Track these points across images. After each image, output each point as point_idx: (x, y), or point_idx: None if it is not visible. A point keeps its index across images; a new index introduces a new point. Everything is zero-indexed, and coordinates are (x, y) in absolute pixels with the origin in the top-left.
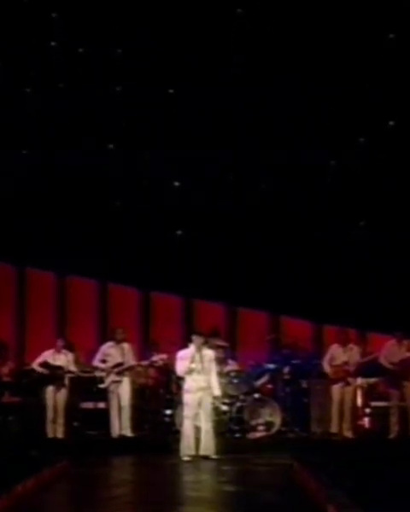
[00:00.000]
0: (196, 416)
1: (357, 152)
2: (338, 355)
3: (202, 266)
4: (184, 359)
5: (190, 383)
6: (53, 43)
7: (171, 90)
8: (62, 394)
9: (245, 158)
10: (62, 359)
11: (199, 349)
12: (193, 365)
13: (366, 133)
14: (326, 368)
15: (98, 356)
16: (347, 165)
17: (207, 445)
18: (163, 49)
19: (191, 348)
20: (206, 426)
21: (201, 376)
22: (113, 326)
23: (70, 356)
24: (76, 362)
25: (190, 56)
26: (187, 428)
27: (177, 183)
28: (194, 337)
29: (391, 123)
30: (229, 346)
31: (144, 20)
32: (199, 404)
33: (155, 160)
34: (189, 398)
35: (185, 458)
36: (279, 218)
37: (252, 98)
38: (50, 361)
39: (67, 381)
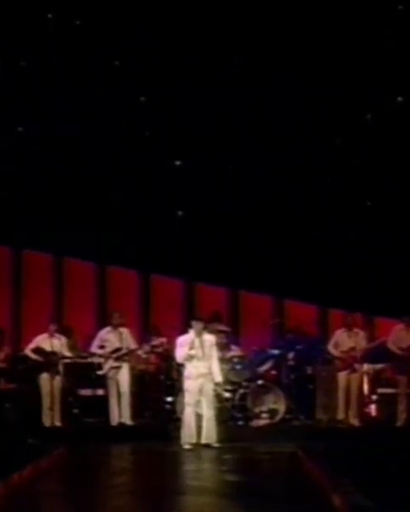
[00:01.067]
0: (197, 403)
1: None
2: (344, 340)
3: (203, 248)
4: (184, 346)
5: (190, 370)
6: (49, 16)
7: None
8: (58, 381)
9: (250, 133)
10: (56, 344)
11: (199, 334)
12: (192, 352)
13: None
14: (333, 352)
15: (96, 341)
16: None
17: (209, 433)
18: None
19: (191, 334)
20: (207, 413)
21: (201, 362)
22: (111, 310)
23: (63, 340)
24: (72, 347)
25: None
26: (188, 416)
27: (178, 162)
28: (193, 322)
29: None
30: (231, 331)
31: None
32: (200, 391)
33: (155, 137)
34: (190, 384)
35: (186, 447)
36: (285, 200)
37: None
38: (44, 346)
39: (61, 368)
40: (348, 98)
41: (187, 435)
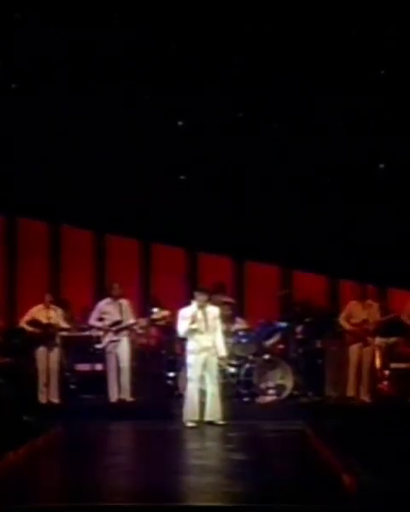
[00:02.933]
0: (200, 378)
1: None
2: (357, 312)
3: (207, 215)
4: (186, 318)
5: (193, 344)
6: None
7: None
8: (55, 355)
9: (258, 92)
10: (53, 315)
11: (202, 307)
12: (194, 325)
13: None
14: (344, 325)
15: (94, 314)
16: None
17: (213, 410)
18: None
19: (194, 306)
20: (211, 389)
21: (204, 336)
22: (110, 281)
23: (60, 311)
24: (69, 319)
25: None
26: (191, 392)
27: (180, 123)
28: (196, 294)
29: None
30: (236, 303)
31: None
32: (204, 366)
33: (156, 95)
34: (192, 359)
35: (189, 424)
36: (292, 162)
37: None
38: (39, 318)
39: (58, 340)
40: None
41: (190, 412)
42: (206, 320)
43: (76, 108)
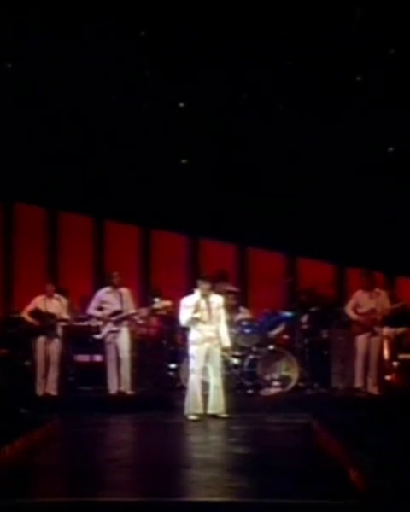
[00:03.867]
0: (203, 370)
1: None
2: (365, 301)
3: (209, 201)
4: (189, 307)
5: (195, 334)
6: None
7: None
8: (55, 346)
9: (263, 72)
10: (55, 305)
11: (205, 296)
12: (197, 314)
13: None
14: (351, 315)
15: (93, 303)
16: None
17: (216, 403)
18: None
19: (196, 295)
20: (215, 381)
21: (208, 326)
22: (110, 269)
23: (64, 301)
24: (71, 309)
25: None
26: (194, 384)
27: (182, 104)
28: (199, 282)
29: None
30: (240, 292)
31: None
32: (207, 357)
33: (156, 75)
34: (195, 350)
35: (191, 417)
36: (298, 145)
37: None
38: (41, 308)
39: (60, 331)
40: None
41: (192, 405)
42: (209, 309)
43: (74, 90)
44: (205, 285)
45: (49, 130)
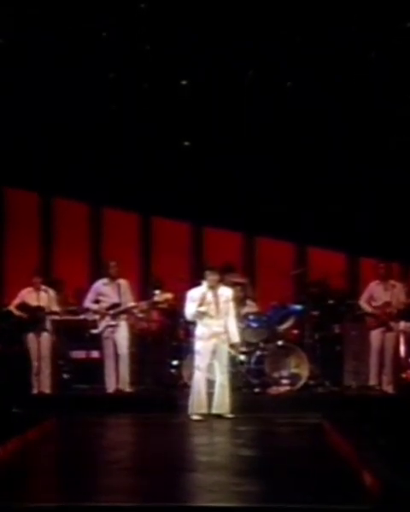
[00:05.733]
0: (208, 367)
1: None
2: (379, 293)
3: (214, 186)
4: (195, 300)
5: (201, 329)
6: None
7: None
8: (46, 340)
9: (270, 46)
10: (43, 298)
11: (213, 288)
12: (203, 308)
13: None
14: (365, 308)
15: (90, 295)
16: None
17: (221, 402)
18: None
19: (203, 287)
20: (221, 379)
21: (215, 320)
22: (107, 259)
23: (52, 293)
24: (63, 302)
25: None
26: (198, 382)
27: (184, 82)
28: (207, 273)
29: None
30: (249, 283)
31: None
32: (213, 354)
33: (157, 51)
34: (201, 346)
35: (195, 417)
36: (310, 126)
37: None
38: (29, 301)
39: (49, 325)
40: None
41: (196, 404)
42: (217, 303)
43: (70, 67)
44: (213, 276)
45: (42, 110)
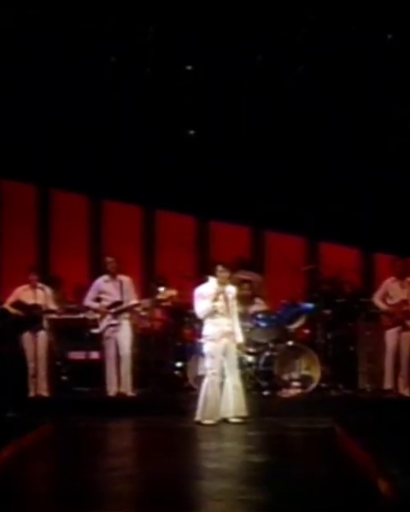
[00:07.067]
0: (222, 369)
1: None
2: (395, 291)
3: (220, 178)
4: (206, 297)
5: (211, 328)
6: None
7: None
8: (43, 340)
9: (279, 30)
10: (40, 296)
11: (223, 285)
12: (219, 302)
13: None
14: (380, 306)
15: (90, 293)
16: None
17: (239, 405)
18: None
19: (213, 283)
20: (233, 380)
21: (225, 319)
22: (108, 255)
23: (48, 291)
24: (61, 300)
25: None
26: (213, 387)
27: (189, 67)
28: (219, 269)
29: None
30: (258, 281)
31: None
32: (224, 355)
33: (160, 34)
34: (212, 347)
35: (207, 421)
36: (322, 115)
37: None
38: (24, 299)
39: (46, 324)
40: None
41: (209, 411)
42: (227, 300)
43: (69, 54)
44: (225, 273)
45: (39, 97)
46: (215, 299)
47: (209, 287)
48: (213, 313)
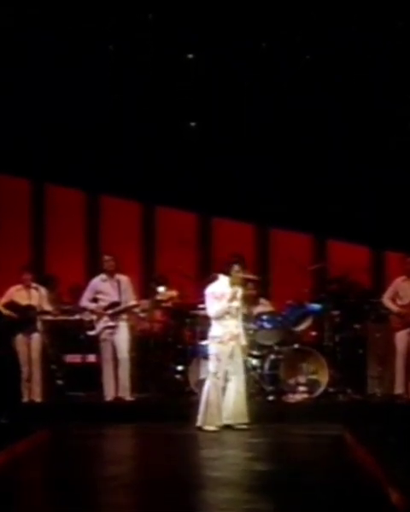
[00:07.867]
0: (225, 373)
1: None
2: (405, 291)
3: (222, 172)
4: (218, 297)
5: (220, 330)
6: None
7: None
8: (37, 343)
9: (286, 16)
10: (34, 296)
11: (234, 284)
12: (236, 302)
13: None
14: (390, 307)
15: (87, 293)
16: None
17: (241, 411)
18: None
19: (224, 282)
20: (236, 384)
21: (234, 321)
22: (105, 253)
23: (43, 291)
24: (56, 300)
25: None
26: (215, 391)
27: (191, 56)
28: (235, 267)
29: None
30: (260, 280)
31: None
32: (230, 358)
33: (160, 21)
34: (219, 349)
35: (209, 427)
36: (330, 107)
37: None
38: (18, 300)
39: (41, 326)
40: None
41: (210, 416)
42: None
43: (63, 40)
44: (241, 274)
45: (34, 87)
46: (232, 298)
47: (220, 286)
48: (224, 314)
